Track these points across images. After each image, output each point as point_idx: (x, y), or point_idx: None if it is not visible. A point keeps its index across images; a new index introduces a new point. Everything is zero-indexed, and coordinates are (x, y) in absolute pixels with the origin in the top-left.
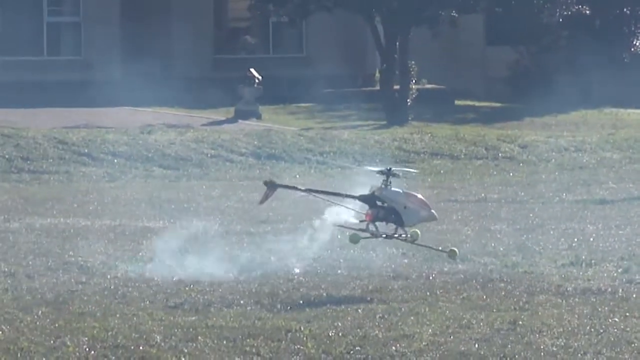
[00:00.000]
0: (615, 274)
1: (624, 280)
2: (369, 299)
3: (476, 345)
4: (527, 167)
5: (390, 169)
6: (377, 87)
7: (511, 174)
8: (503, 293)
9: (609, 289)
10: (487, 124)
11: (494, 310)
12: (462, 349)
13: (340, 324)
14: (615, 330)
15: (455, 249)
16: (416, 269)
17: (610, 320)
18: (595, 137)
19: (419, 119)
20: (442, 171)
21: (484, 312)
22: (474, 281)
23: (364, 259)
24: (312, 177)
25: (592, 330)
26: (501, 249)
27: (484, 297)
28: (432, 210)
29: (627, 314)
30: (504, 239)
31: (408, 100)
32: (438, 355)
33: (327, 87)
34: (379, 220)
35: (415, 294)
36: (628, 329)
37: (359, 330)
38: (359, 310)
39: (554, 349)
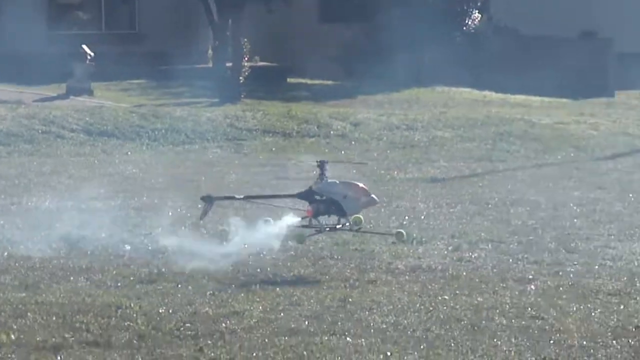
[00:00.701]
0: (445, 252)
1: (454, 258)
2: (200, 276)
3: (306, 322)
4: (359, 145)
5: (323, 161)
6: (210, 65)
7: (343, 152)
8: (334, 270)
9: (439, 267)
10: (320, 102)
11: (325, 288)
12: (292, 325)
13: (170, 301)
14: (445, 307)
15: (402, 231)
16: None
17: (440, 298)
18: (427, 116)
19: (251, 96)
20: (273, 148)
21: (314, 289)
22: (305, 258)
23: (196, 237)
24: (144, 154)
25: (422, 307)
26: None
27: (315, 274)
28: (372, 195)
29: (457, 291)
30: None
31: (240, 77)
32: (268, 332)
33: (160, 64)
34: (321, 214)
35: (245, 271)
36: (458, 306)
37: (189, 307)
38: (190, 287)
39: (384, 326)
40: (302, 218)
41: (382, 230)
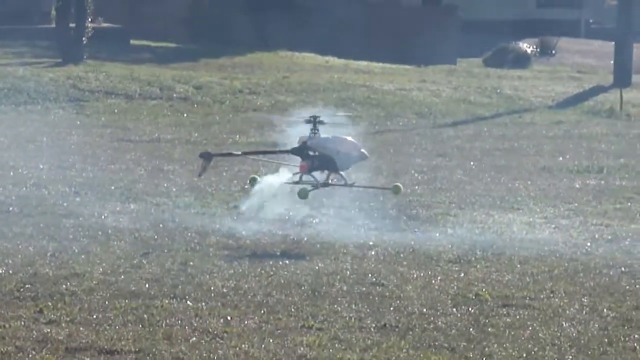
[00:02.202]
0: (286, 217)
1: (295, 223)
2: (40, 237)
3: (147, 285)
4: (202, 108)
5: (316, 117)
6: (53, 25)
7: (185, 115)
8: (175, 234)
9: (280, 232)
10: (163, 65)
11: (165, 251)
12: (133, 288)
13: (10, 262)
14: (286, 272)
15: (399, 184)
16: (88, 207)
17: (281, 263)
18: (270, 80)
19: (94, 58)
20: (116, 110)
21: (155, 253)
22: (146, 221)
23: (36, 197)
24: None
25: (263, 272)
26: (174, 189)
27: (155, 237)
28: (363, 150)
29: (298, 256)
30: (177, 179)
31: (84, 38)
32: (108, 294)
33: (2, 23)
34: (314, 169)
35: (86, 233)
36: (298, 271)
37: (29, 267)
38: (30, 248)
39: (225, 290)
40: (294, 174)
41: (378, 185)
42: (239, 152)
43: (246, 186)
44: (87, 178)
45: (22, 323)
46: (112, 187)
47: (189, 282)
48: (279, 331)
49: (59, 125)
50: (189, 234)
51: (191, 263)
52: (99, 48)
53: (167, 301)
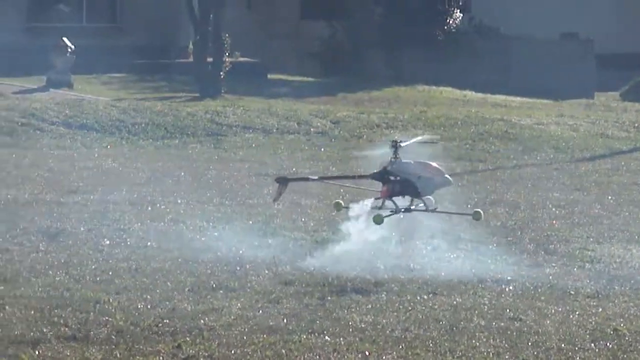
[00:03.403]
0: (424, 252)
1: (433, 258)
2: (178, 271)
3: (285, 320)
4: (339, 142)
5: (397, 141)
6: (191, 60)
7: (322, 149)
8: (312, 268)
9: (418, 267)
10: (300, 99)
11: (304, 286)
12: (271, 323)
13: (149, 296)
14: (424, 307)
15: (480, 210)
16: (226, 242)
17: (419, 298)
18: (407, 114)
19: (232, 92)
20: (253, 145)
21: (292, 287)
22: (284, 256)
23: (174, 232)
24: (124, 149)
25: (401, 307)
26: (312, 224)
27: (293, 272)
28: (446, 175)
29: (436, 292)
30: (315, 214)
31: (221, 73)
32: (247, 329)
33: (141, 58)
34: (396, 195)
35: (225, 268)
36: (436, 306)
37: (167, 302)
38: (168, 283)
39: (362, 325)
40: (376, 199)
41: (459, 211)
42: (316, 177)
43: (333, 213)
44: (225, 213)
45: (161, 358)
46: (250, 222)
47: (326, 317)
48: None
49: (197, 159)
50: (326, 269)
51: (329, 298)
52: (237, 82)
53: (305, 336)
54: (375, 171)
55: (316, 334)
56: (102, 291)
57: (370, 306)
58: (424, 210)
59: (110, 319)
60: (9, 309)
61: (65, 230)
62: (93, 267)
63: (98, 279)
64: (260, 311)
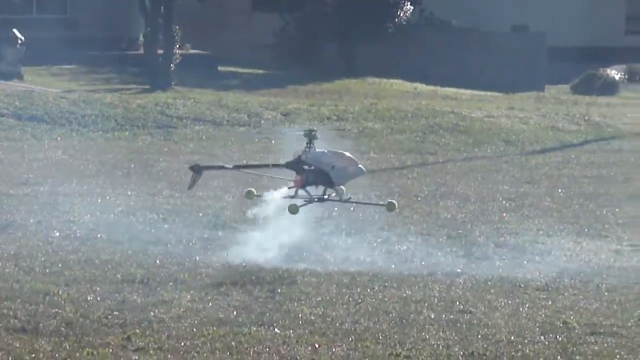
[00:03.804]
0: (374, 245)
1: (383, 250)
2: (128, 263)
3: (235, 312)
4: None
5: (311, 130)
6: (141, 51)
7: (273, 142)
8: (262, 261)
9: (368, 259)
10: (251, 91)
11: (253, 278)
12: (221, 315)
13: (98, 288)
14: (373, 300)
15: (394, 201)
16: (176, 234)
17: (368, 290)
18: (358, 107)
19: (182, 84)
20: (204, 137)
21: (242, 279)
22: (233, 248)
23: (124, 224)
24: (74, 140)
25: (351, 299)
26: (262, 216)
27: (243, 264)
28: (360, 165)
29: (386, 284)
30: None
31: (172, 65)
32: (196, 321)
33: (91, 49)
34: (309, 184)
35: (174, 260)
36: (386, 299)
37: (117, 294)
38: (118, 275)
39: (312, 317)
40: (289, 188)
41: (373, 201)
42: (231, 166)
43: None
44: (175, 205)
45: (111, 350)
46: (200, 214)
47: (276, 310)
48: (366, 359)
49: (147, 151)
50: (276, 262)
51: (279, 290)
52: (187, 74)
53: (254, 329)
54: (290, 160)
55: (266, 327)
56: (51, 283)
57: (320, 298)
58: (337, 200)
59: (59, 311)
60: None
61: (15, 222)
62: (43, 259)
63: (47, 270)
64: (210, 303)
